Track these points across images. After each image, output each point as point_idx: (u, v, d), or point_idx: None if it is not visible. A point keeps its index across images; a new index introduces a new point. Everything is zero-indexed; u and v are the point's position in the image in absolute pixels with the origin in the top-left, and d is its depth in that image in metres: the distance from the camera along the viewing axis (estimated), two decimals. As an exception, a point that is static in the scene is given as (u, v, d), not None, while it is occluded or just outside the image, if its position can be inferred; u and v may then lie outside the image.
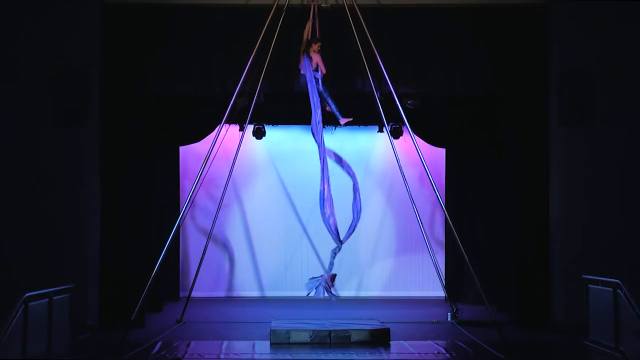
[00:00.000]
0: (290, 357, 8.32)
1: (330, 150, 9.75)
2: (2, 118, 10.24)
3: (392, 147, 11.75)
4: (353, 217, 9.64)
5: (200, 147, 13.26)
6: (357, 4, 10.03)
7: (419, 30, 10.70)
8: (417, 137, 10.15)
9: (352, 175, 9.83)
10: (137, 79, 10.57)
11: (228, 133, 12.10)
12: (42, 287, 8.36)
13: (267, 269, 14.52)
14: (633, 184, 10.47)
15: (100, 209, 10.49)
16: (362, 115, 12.21)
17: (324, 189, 9.51)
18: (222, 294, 14.39)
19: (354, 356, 8.36)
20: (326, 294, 9.49)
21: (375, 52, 9.89)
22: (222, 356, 8.47)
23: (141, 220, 10.81)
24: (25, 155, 10.21)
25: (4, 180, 10.15)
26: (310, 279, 9.65)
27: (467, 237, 12.95)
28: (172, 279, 13.64)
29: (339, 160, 9.89)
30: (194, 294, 12.10)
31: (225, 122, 10.04)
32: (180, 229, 12.10)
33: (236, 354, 8.56)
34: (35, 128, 10.23)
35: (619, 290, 8.45)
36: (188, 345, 9.03)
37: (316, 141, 9.61)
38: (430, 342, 9.32)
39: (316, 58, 9.71)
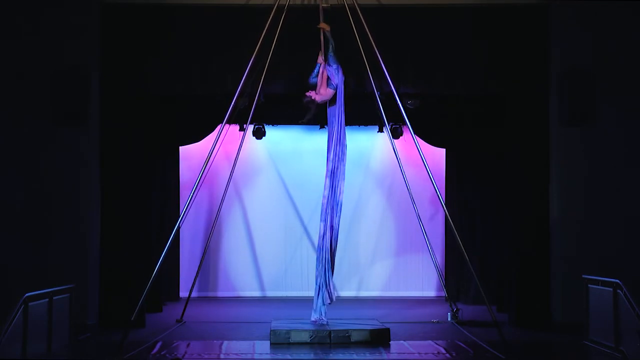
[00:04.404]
0: (290, 357, 8.32)
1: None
2: (1, 118, 10.24)
3: (392, 147, 11.75)
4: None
5: (200, 147, 13.25)
6: (357, 4, 10.03)
7: (419, 30, 10.70)
8: (417, 137, 10.15)
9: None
10: (137, 78, 10.57)
11: (228, 133, 12.09)
12: (42, 287, 8.36)
13: (267, 269, 14.51)
14: (633, 184, 10.47)
15: (100, 209, 10.49)
16: (362, 115, 12.24)
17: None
18: (222, 294, 14.39)
19: (354, 356, 8.36)
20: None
21: (376, 52, 9.90)
22: (222, 356, 8.47)
23: (141, 220, 10.80)
24: (25, 155, 10.21)
25: (3, 180, 10.14)
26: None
27: (467, 237, 12.94)
28: (172, 279, 13.64)
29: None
30: (194, 294, 12.10)
31: (226, 123, 10.05)
32: (181, 229, 12.09)
33: (236, 354, 8.56)
34: (35, 128, 10.22)
35: (619, 290, 8.45)
36: (188, 345, 9.02)
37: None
38: (430, 342, 9.32)
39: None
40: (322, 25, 9.94)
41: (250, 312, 12.33)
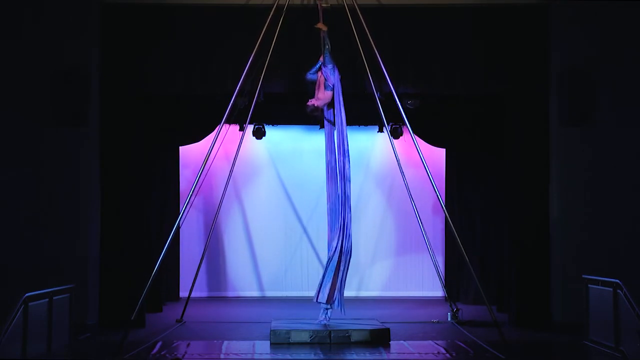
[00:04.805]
0: (290, 357, 8.32)
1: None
2: (1, 118, 10.24)
3: (392, 147, 11.74)
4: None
5: (200, 147, 13.25)
6: (357, 4, 10.03)
7: (419, 30, 10.70)
8: (417, 137, 10.15)
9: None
10: (137, 78, 10.57)
11: (228, 133, 12.11)
12: (42, 287, 8.36)
13: (267, 269, 14.51)
14: (633, 184, 10.46)
15: (100, 209, 10.48)
16: (362, 115, 12.22)
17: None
18: (222, 294, 14.39)
19: (354, 356, 8.36)
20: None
21: (376, 52, 9.90)
22: (222, 356, 8.47)
23: (141, 220, 10.80)
24: (25, 155, 10.21)
25: (3, 180, 10.14)
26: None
27: (467, 237, 12.96)
28: (172, 279, 13.64)
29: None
30: (194, 294, 12.09)
31: (225, 122, 10.05)
32: (180, 229, 12.09)
33: (236, 354, 8.56)
34: (35, 128, 10.22)
35: (619, 290, 8.45)
36: (188, 345, 9.02)
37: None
38: (430, 342, 9.32)
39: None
40: (320, 25, 9.94)
41: (250, 312, 12.33)
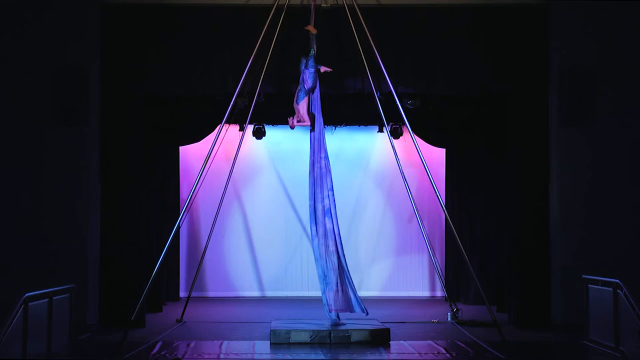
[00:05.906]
0: (290, 357, 8.32)
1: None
2: (2, 118, 10.24)
3: (392, 147, 11.75)
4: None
5: (200, 147, 13.26)
6: (357, 4, 10.03)
7: (419, 30, 10.70)
8: (417, 137, 10.14)
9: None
10: (137, 78, 10.57)
11: (228, 133, 12.10)
12: (42, 287, 8.36)
13: (267, 269, 14.52)
14: (633, 184, 10.47)
15: (100, 208, 10.49)
16: (362, 115, 12.19)
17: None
18: (222, 293, 14.39)
19: (354, 356, 8.37)
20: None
21: (375, 52, 9.90)
22: (222, 356, 8.47)
23: (141, 221, 10.80)
24: (25, 155, 10.22)
25: (3, 180, 10.15)
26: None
27: (467, 237, 12.96)
28: (172, 279, 13.65)
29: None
30: (194, 294, 12.10)
31: (226, 122, 10.05)
32: (181, 228, 12.09)
33: (236, 354, 8.56)
34: (35, 128, 10.23)
35: (619, 290, 8.45)
36: (188, 345, 9.03)
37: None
38: (430, 342, 9.32)
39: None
40: (309, 27, 9.93)
41: (250, 312, 12.33)
